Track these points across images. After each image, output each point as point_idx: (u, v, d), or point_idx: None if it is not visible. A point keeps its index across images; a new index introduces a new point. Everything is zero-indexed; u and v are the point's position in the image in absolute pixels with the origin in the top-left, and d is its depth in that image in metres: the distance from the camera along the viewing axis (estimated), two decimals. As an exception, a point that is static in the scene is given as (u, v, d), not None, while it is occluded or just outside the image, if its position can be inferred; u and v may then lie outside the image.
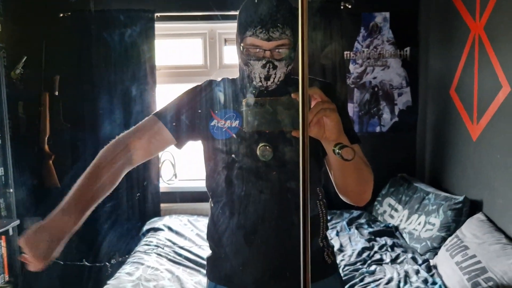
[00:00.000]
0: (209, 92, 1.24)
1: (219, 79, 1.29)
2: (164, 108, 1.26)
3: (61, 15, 3.03)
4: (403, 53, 3.22)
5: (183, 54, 3.38)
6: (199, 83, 1.27)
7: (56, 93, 3.03)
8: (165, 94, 3.22)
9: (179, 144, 1.25)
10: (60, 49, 3.08)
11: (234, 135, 1.18)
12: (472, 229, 2.22)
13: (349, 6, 3.09)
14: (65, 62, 3.09)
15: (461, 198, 2.44)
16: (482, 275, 1.90)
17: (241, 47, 1.15)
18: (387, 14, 3.19)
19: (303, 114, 0.51)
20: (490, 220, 2.26)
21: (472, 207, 2.42)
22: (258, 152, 1.09)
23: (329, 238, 2.66)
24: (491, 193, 2.30)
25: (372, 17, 3.20)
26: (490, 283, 1.84)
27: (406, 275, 2.16)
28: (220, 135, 1.20)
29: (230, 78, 1.28)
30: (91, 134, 3.01)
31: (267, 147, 1.09)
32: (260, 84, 1.15)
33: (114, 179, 1.18)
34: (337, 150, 0.95)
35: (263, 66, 1.13)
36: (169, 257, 2.45)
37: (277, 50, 1.12)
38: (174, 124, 1.22)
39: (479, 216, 2.30)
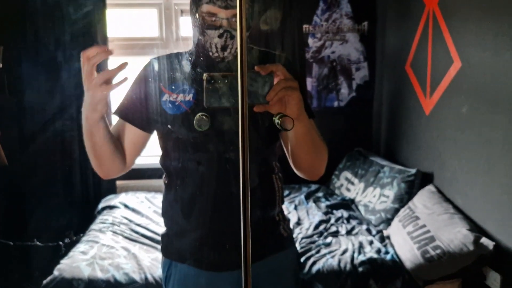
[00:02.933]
0: (157, 68, 1.19)
1: (167, 53, 1.23)
2: (122, 103, 1.21)
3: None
4: (361, 27, 3.23)
5: (138, 26, 3.25)
6: (147, 63, 1.22)
7: (0, 65, 2.84)
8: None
9: (150, 132, 1.22)
10: (3, 18, 2.87)
11: (188, 110, 1.14)
12: (423, 200, 2.30)
13: (308, -21, 3.04)
14: (9, 31, 2.89)
15: (413, 171, 2.53)
16: (430, 244, 1.98)
17: (197, 16, 1.10)
18: (346, -12, 3.17)
19: (241, 84, 0.48)
20: (439, 191, 2.35)
21: (423, 179, 2.51)
22: (194, 122, 1.06)
23: (288, 212, 2.70)
24: (441, 165, 2.38)
25: (331, -10, 3.18)
26: (438, 251, 1.93)
27: (361, 246, 2.23)
28: (172, 109, 1.16)
29: (181, 51, 1.23)
30: (39, 108, 2.86)
31: (204, 117, 1.06)
32: (216, 55, 1.11)
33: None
34: (277, 120, 0.95)
35: (220, 36, 1.08)
36: (125, 234, 2.40)
37: (234, 19, 1.08)
38: (136, 117, 1.18)
39: (430, 187, 2.38)
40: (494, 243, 1.85)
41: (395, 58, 2.98)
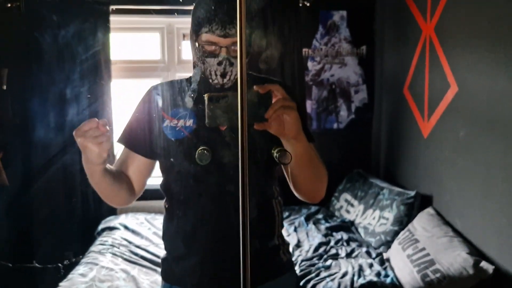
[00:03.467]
0: (158, 95, 1.22)
1: (167, 80, 1.27)
2: (125, 131, 1.24)
3: (9, 5, 2.89)
4: (360, 51, 3.29)
5: (140, 49, 3.31)
6: (148, 91, 1.25)
7: (4, 87, 2.88)
8: (122, 89, 3.15)
9: (155, 159, 1.24)
10: (8, 40, 2.93)
11: (188, 134, 1.17)
12: (423, 223, 2.31)
13: (308, 4, 3.11)
14: (15, 54, 2.94)
15: (412, 193, 2.53)
16: (430, 267, 1.98)
17: (197, 44, 1.13)
18: (344, 13, 3.24)
19: (241, 113, 0.51)
20: (439, 214, 2.35)
21: (423, 202, 2.51)
22: (196, 156, 1.08)
23: (288, 233, 2.70)
24: (440, 188, 2.39)
25: (330, 15, 3.25)
26: (438, 275, 1.93)
27: (360, 269, 2.22)
28: (173, 134, 1.18)
29: (181, 78, 1.26)
30: (43, 130, 2.89)
31: (205, 151, 1.08)
32: (216, 81, 1.14)
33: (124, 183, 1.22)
34: (275, 154, 0.97)
35: (220, 64, 1.11)
36: (124, 256, 2.40)
37: (233, 47, 1.11)
38: (141, 146, 1.21)
39: (429, 210, 2.39)
40: (493, 267, 1.85)
41: (393, 81, 3.03)
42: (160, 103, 1.20)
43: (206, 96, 0.94)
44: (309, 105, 3.30)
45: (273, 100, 0.97)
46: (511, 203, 1.78)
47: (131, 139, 1.21)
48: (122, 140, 1.23)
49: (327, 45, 3.27)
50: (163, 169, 1.24)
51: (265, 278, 1.23)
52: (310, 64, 3.28)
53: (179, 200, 1.21)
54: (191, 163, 1.15)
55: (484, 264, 1.87)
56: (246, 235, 0.50)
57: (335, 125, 3.35)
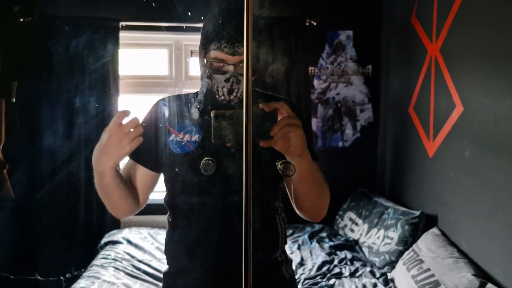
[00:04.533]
0: (165, 109, 1.23)
1: (175, 94, 1.28)
2: None
3: (22, 19, 2.95)
4: (366, 71, 3.31)
5: (148, 65, 3.35)
6: (155, 104, 1.26)
7: (14, 99, 2.92)
8: (129, 104, 3.18)
9: (160, 171, 1.25)
10: (19, 54, 2.98)
11: (194, 150, 1.18)
12: (427, 243, 2.28)
13: (314, 23, 3.15)
14: (25, 68, 2.99)
15: (417, 213, 2.52)
16: (435, 289, 1.95)
17: (205, 61, 1.15)
18: (351, 33, 3.28)
19: (246, 129, 0.52)
20: (444, 234, 2.33)
21: (427, 222, 2.49)
22: (200, 167, 1.08)
23: (291, 251, 2.68)
24: (445, 208, 2.38)
25: (336, 35, 3.29)
26: (443, 296, 1.90)
27: (364, 289, 2.19)
28: (178, 149, 1.19)
29: (188, 92, 1.28)
30: (49, 143, 2.92)
31: (210, 161, 1.09)
32: (223, 98, 1.15)
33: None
34: (279, 166, 0.98)
35: (227, 80, 1.13)
36: (126, 271, 2.39)
37: (241, 65, 1.13)
38: (146, 158, 1.22)
39: (434, 230, 2.37)
40: (499, 289, 1.82)
41: (399, 101, 3.04)
42: (166, 116, 1.21)
43: (212, 113, 0.95)
44: (315, 123, 3.31)
45: (279, 118, 0.98)
46: (517, 224, 1.76)
47: (137, 151, 1.22)
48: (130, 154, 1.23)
49: (333, 64, 3.30)
50: (168, 180, 1.24)
51: None
52: (316, 82, 3.30)
53: (182, 211, 1.21)
54: (196, 174, 1.15)
55: (490, 286, 1.84)
56: (248, 247, 0.50)
57: (340, 144, 3.35)
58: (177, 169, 1.19)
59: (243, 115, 0.57)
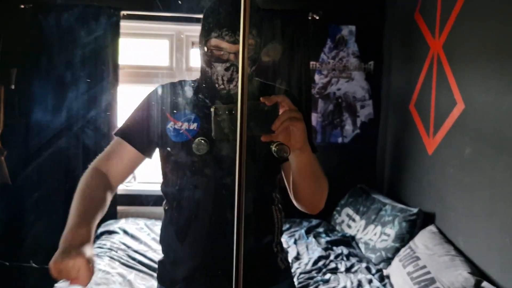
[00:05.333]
0: (164, 95, 1.22)
1: (174, 81, 1.26)
2: (124, 124, 1.24)
3: (22, 6, 2.93)
4: (367, 66, 3.29)
5: (149, 55, 3.33)
6: (155, 88, 1.24)
7: (13, 86, 2.91)
8: (129, 95, 3.16)
9: (148, 156, 1.24)
10: (19, 41, 2.96)
11: (192, 138, 1.16)
12: (424, 241, 2.28)
13: (317, 17, 3.13)
14: (24, 55, 2.97)
15: (415, 210, 2.51)
16: (430, 285, 1.94)
17: (205, 48, 1.14)
18: (353, 28, 3.26)
19: (241, 114, 0.50)
20: (441, 232, 2.32)
21: (425, 219, 2.48)
22: (193, 146, 1.07)
23: (287, 246, 2.67)
24: (443, 206, 2.37)
25: (338, 29, 3.26)
26: (438, 294, 1.89)
27: (359, 284, 2.19)
28: (176, 137, 1.18)
29: (187, 80, 1.26)
30: (47, 130, 2.91)
31: (202, 141, 1.08)
32: (222, 87, 1.14)
33: (104, 199, 1.16)
34: (274, 148, 0.97)
35: (227, 69, 1.11)
36: (122, 260, 2.38)
37: None
38: (137, 139, 1.20)
39: (431, 228, 2.36)
40: (495, 287, 1.81)
41: (400, 97, 3.02)
42: (165, 103, 1.20)
43: (212, 108, 0.94)
44: (315, 118, 3.30)
45: (280, 111, 0.96)
46: (515, 223, 1.75)
47: (129, 131, 1.21)
48: (119, 132, 1.22)
49: (335, 59, 3.28)
50: (161, 162, 1.23)
51: (262, 284, 1.21)
52: (317, 77, 3.28)
53: (174, 193, 1.20)
54: (189, 156, 1.14)
55: (485, 284, 1.83)
56: (240, 231, 0.49)
57: (339, 139, 3.34)
58: (169, 149, 1.17)
59: (241, 108, 0.56)
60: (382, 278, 2.28)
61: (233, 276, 0.54)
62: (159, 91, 1.22)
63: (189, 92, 1.23)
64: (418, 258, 2.16)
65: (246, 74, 0.48)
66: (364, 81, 3.30)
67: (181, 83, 1.25)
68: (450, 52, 2.34)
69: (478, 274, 1.92)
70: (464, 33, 2.21)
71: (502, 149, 1.87)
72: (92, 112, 2.97)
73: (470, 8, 2.16)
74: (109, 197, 1.19)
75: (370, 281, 2.23)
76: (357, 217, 2.92)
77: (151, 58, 3.33)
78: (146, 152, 1.22)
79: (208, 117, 1.16)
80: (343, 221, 3.02)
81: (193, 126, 1.17)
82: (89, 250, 1.00)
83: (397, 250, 2.43)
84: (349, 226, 2.94)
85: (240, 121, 0.51)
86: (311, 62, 3.23)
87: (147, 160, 1.26)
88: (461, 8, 2.22)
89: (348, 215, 3.01)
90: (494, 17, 1.96)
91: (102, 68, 2.97)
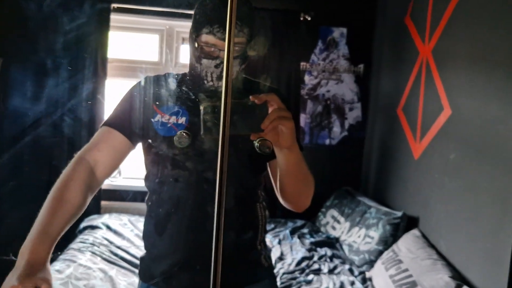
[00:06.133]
0: (151, 87, 1.19)
1: (162, 73, 1.24)
2: (112, 115, 1.20)
3: (10, -5, 2.88)
4: (357, 69, 3.30)
5: (138, 49, 3.30)
6: (141, 80, 1.22)
7: (-3, 76, 2.85)
8: (117, 88, 3.12)
9: (135, 144, 1.20)
10: (5, 29, 2.91)
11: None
12: (407, 244, 2.29)
13: (309, 18, 3.13)
14: (8, 44, 2.92)
15: (399, 214, 2.52)
16: (412, 289, 1.96)
17: (195, 44, 1.12)
18: (344, 30, 3.27)
19: (225, 108, 0.50)
20: (424, 236, 2.34)
21: (409, 223, 2.50)
22: (174, 138, 1.06)
23: (272, 246, 2.67)
24: (427, 210, 2.38)
25: (329, 31, 3.27)
26: (419, 297, 1.90)
27: (342, 286, 2.19)
28: (164, 131, 1.16)
29: (175, 73, 1.25)
30: (33, 120, 2.86)
31: (184, 134, 1.06)
32: (211, 83, 1.13)
33: (82, 199, 1.09)
34: (256, 144, 0.96)
35: (217, 66, 1.10)
36: (104, 256, 2.35)
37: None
38: (126, 127, 1.16)
39: (415, 232, 2.38)
40: (475, 292, 1.83)
41: (388, 101, 3.04)
42: (151, 95, 1.19)
43: (202, 106, 0.93)
44: (303, 119, 3.30)
45: (270, 110, 0.96)
46: (497, 228, 1.77)
47: (116, 120, 1.18)
48: (107, 122, 1.19)
49: (325, 61, 3.28)
50: (143, 154, 1.21)
51: (245, 282, 1.20)
52: (307, 78, 3.29)
53: (155, 186, 1.18)
54: (170, 146, 1.13)
55: (466, 288, 1.85)
56: (220, 225, 0.48)
57: (327, 141, 3.34)
58: (150, 140, 1.15)
59: (229, 106, 0.55)
60: (364, 280, 2.29)
61: (211, 271, 0.52)
62: (145, 82, 1.20)
63: (176, 85, 1.21)
64: (400, 261, 2.18)
65: (231, 67, 0.48)
66: (354, 84, 3.32)
67: (167, 75, 1.23)
68: (439, 57, 2.35)
69: (459, 278, 1.93)
70: (453, 40, 2.23)
71: (486, 156, 1.89)
72: (77, 103, 2.92)
73: (459, 15, 2.18)
74: (90, 195, 1.13)
75: (352, 283, 2.23)
76: (342, 219, 2.93)
77: (140, 53, 3.29)
78: (134, 140, 1.18)
79: (195, 112, 1.15)
80: (328, 223, 3.03)
81: (182, 120, 1.16)
82: (45, 272, 0.95)
83: (380, 253, 2.44)
84: (333, 228, 2.95)
85: (224, 115, 0.50)
86: (301, 63, 3.23)
87: (133, 155, 1.23)
88: (451, 14, 2.24)
89: (333, 217, 3.02)
90: (482, 25, 1.98)
91: (90, 61, 2.93)
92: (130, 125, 1.17)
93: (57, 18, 2.86)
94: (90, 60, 2.93)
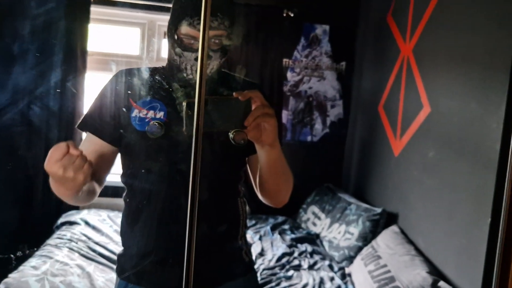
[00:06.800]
0: (127, 81, 1.16)
1: (137, 67, 1.20)
2: (88, 115, 1.16)
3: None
4: (339, 67, 3.32)
5: (119, 43, 3.25)
6: (117, 73, 1.18)
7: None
8: (96, 82, 3.07)
9: (117, 144, 1.18)
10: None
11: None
12: (386, 240, 2.32)
13: (292, 15, 3.13)
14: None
15: (379, 210, 2.55)
16: (390, 284, 1.98)
17: (175, 36, 1.10)
18: (327, 28, 3.28)
19: (199, 100, 0.49)
20: (403, 232, 2.37)
21: (388, 219, 2.53)
22: (146, 128, 1.04)
23: (252, 242, 2.67)
24: (406, 207, 2.42)
25: (313, 28, 3.28)
26: (397, 292, 1.93)
27: (321, 282, 2.21)
28: (142, 126, 1.13)
29: (151, 66, 1.22)
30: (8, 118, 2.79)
31: (157, 124, 1.05)
32: (191, 76, 1.11)
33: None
34: (231, 135, 0.95)
35: (197, 59, 1.09)
36: (81, 252, 2.32)
37: (212, 40, 1.09)
38: (106, 130, 1.14)
39: (394, 228, 2.40)
40: (451, 287, 1.86)
41: (369, 99, 3.06)
42: (127, 89, 1.16)
43: (184, 103, 0.91)
44: (285, 116, 3.30)
45: (253, 107, 0.95)
46: (473, 224, 1.80)
47: (93, 123, 1.15)
48: (83, 125, 1.16)
49: (308, 58, 3.29)
50: (122, 153, 1.19)
51: (227, 278, 1.20)
52: (289, 74, 3.29)
53: (126, 177, 1.17)
54: (142, 136, 1.11)
55: (442, 284, 1.88)
56: (193, 218, 0.47)
57: (309, 138, 3.36)
58: (121, 131, 1.13)
59: (196, 95, 0.54)
60: (343, 276, 2.31)
61: (184, 264, 0.52)
62: (122, 76, 1.17)
63: (155, 78, 1.19)
64: (379, 257, 2.20)
65: (205, 59, 0.47)
66: (336, 81, 3.33)
67: (147, 69, 1.20)
68: (420, 56, 2.38)
69: (436, 273, 1.97)
70: (433, 39, 2.26)
71: (464, 154, 1.92)
72: (58, 100, 2.86)
73: (440, 15, 2.20)
74: (95, 195, 1.16)
75: (332, 279, 2.25)
76: (322, 216, 2.95)
77: (121, 46, 3.24)
78: (114, 142, 1.16)
79: (174, 106, 1.13)
80: (308, 219, 3.04)
81: (160, 114, 1.14)
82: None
83: (359, 249, 2.46)
84: (314, 224, 2.96)
85: (198, 108, 0.49)
86: (284, 59, 3.23)
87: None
88: (431, 14, 2.26)
89: (313, 213, 3.04)
90: (462, 25, 2.01)
91: (70, 54, 2.87)
92: (111, 127, 1.14)
93: (37, 11, 2.79)
94: (71, 54, 2.86)
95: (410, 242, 2.27)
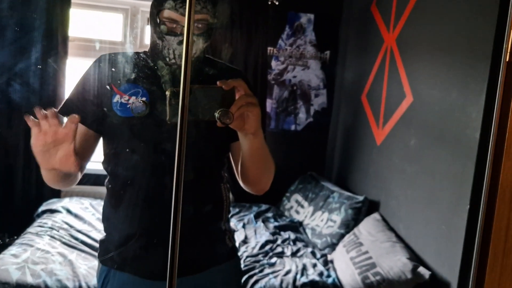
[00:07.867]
0: (109, 66, 1.15)
1: (119, 52, 1.18)
2: (69, 100, 1.14)
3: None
4: (323, 56, 3.33)
5: (101, 28, 3.19)
6: (98, 58, 1.16)
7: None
8: (77, 68, 3.02)
9: (98, 131, 1.16)
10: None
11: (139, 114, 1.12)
12: (368, 227, 2.35)
13: (276, 3, 3.12)
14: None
15: (361, 198, 2.59)
16: (371, 270, 2.02)
17: (157, 20, 1.09)
18: (312, 16, 3.27)
19: (184, 86, 0.48)
20: (384, 219, 2.41)
21: (370, 207, 2.57)
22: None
23: (236, 229, 2.68)
24: (387, 194, 2.46)
25: (297, 17, 3.27)
26: (378, 277, 1.97)
27: (304, 268, 2.24)
28: (124, 112, 1.12)
29: (133, 52, 1.20)
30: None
31: (141, 102, 1.04)
32: (173, 61, 1.10)
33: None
34: (217, 115, 0.94)
35: (179, 43, 1.08)
36: (63, 240, 2.30)
37: (196, 25, 1.08)
38: (88, 116, 1.12)
39: (375, 215, 2.44)
40: (430, 272, 1.91)
41: (353, 88, 3.08)
42: (109, 74, 1.14)
43: (168, 91, 0.90)
44: (269, 104, 3.30)
45: (237, 96, 0.95)
46: (452, 211, 1.84)
47: (75, 108, 1.13)
48: (64, 109, 1.14)
49: (292, 46, 3.29)
50: (110, 145, 1.17)
51: (211, 262, 1.20)
52: (274, 63, 3.28)
53: (109, 156, 1.15)
54: (136, 137, 1.11)
55: (421, 269, 1.93)
56: (178, 198, 0.47)
57: (292, 127, 3.37)
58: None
59: (181, 79, 0.53)
60: (326, 263, 2.34)
61: (170, 243, 0.52)
62: (104, 61, 1.15)
63: (137, 64, 1.17)
64: (361, 244, 2.24)
65: (191, 43, 0.46)
66: (320, 70, 3.34)
67: (129, 54, 1.19)
68: (403, 46, 2.40)
69: (416, 259, 2.01)
70: (416, 29, 2.28)
71: (444, 142, 1.95)
72: (39, 87, 2.81)
73: (423, 4, 2.22)
74: (78, 177, 1.15)
75: (314, 265, 2.28)
76: (305, 204, 2.97)
77: (103, 32, 3.18)
78: (96, 127, 1.15)
79: (156, 92, 1.12)
80: (292, 207, 3.06)
81: (141, 100, 1.13)
82: None
83: (342, 236, 2.50)
84: (297, 212, 2.99)
85: (183, 88, 0.49)
86: (269, 48, 3.22)
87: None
88: (415, 4, 2.28)
89: (297, 201, 3.06)
90: (445, 15, 2.03)
91: (50, 40, 2.80)
92: (92, 113, 1.13)
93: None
94: (50, 39, 2.80)
95: (391, 229, 2.32)
